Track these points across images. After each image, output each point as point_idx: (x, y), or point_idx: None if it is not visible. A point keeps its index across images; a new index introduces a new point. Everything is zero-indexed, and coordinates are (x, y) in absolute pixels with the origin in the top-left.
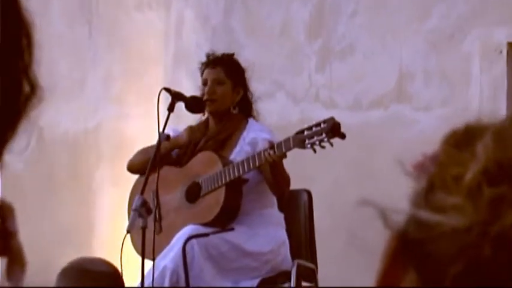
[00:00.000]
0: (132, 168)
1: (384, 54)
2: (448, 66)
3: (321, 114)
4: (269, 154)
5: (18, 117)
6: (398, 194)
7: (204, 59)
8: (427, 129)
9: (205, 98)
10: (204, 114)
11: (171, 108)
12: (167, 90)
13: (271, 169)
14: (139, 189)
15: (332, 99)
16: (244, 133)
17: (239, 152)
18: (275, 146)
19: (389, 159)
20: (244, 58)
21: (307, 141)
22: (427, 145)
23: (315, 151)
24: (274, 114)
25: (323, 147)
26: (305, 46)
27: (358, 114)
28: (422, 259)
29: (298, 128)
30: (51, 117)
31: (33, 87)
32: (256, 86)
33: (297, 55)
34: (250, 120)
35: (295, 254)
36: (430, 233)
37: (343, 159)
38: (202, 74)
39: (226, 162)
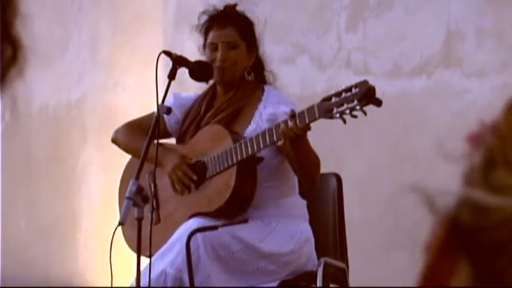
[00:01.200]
0: (117, 142)
1: (429, 9)
2: (505, 24)
3: (353, 83)
4: (289, 126)
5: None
6: (444, 178)
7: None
8: (480, 99)
9: (216, 65)
10: (207, 83)
11: (172, 75)
12: (167, 53)
13: (294, 147)
14: (133, 173)
15: (366, 64)
16: (261, 106)
17: (255, 131)
18: (296, 115)
19: (435, 137)
20: (257, 15)
21: (335, 110)
22: (480, 119)
23: (344, 121)
24: (296, 83)
25: (354, 116)
26: (333, 0)
27: (397, 83)
28: (477, 249)
29: None
30: (27, 87)
31: (16, 48)
32: (273, 48)
33: (322, 11)
34: (267, 88)
35: (321, 250)
36: (488, 219)
37: (378, 136)
38: (205, 35)
39: (237, 138)
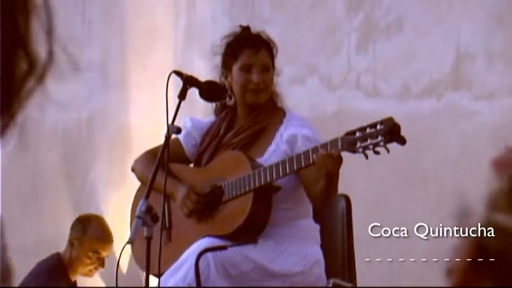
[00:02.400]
0: (135, 172)
1: (438, 30)
2: None
3: (362, 105)
4: (323, 154)
5: (13, 99)
6: (455, 200)
7: (219, 35)
8: (490, 122)
9: (251, 87)
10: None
11: (182, 95)
12: (178, 73)
13: (328, 181)
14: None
15: (375, 85)
16: (282, 127)
17: (275, 152)
18: (319, 147)
19: (444, 159)
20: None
21: (358, 144)
22: (489, 141)
23: (366, 157)
24: (305, 104)
25: (377, 152)
26: (343, 21)
27: (406, 104)
28: (502, 272)
29: (333, 121)
30: (37, 105)
31: (32, 62)
32: (283, 68)
33: (332, 32)
34: (288, 112)
35: (330, 271)
36: None
37: (387, 157)
38: (234, 57)
39: (256, 165)
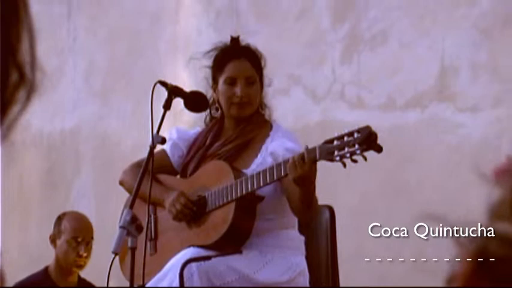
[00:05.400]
0: (123, 185)
1: (423, 43)
2: (500, 58)
3: (346, 116)
4: (294, 164)
5: (4, 110)
6: (440, 210)
7: (204, 46)
8: (473, 134)
9: (235, 100)
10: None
11: (167, 106)
12: (163, 83)
13: (298, 185)
14: (137, 203)
15: (360, 97)
16: (268, 140)
17: (261, 164)
18: (296, 156)
19: (428, 170)
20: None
21: (336, 153)
22: (472, 153)
23: (344, 165)
24: (289, 115)
25: (354, 161)
26: (328, 32)
27: (390, 116)
28: (504, 280)
29: (318, 132)
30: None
31: (22, 73)
32: (268, 80)
33: (317, 43)
34: (276, 125)
35: (314, 281)
36: None
37: (371, 168)
38: (220, 70)
39: (239, 175)
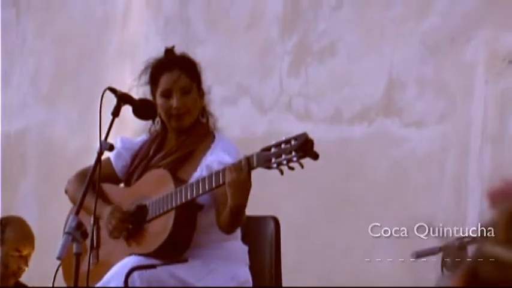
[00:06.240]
0: (67, 194)
1: (371, 57)
2: (446, 75)
3: (293, 127)
4: (230, 172)
5: None
6: (383, 224)
7: (152, 54)
8: (419, 149)
9: (172, 112)
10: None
11: (116, 113)
12: (112, 90)
13: (231, 194)
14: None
15: (307, 109)
16: (208, 153)
17: (200, 177)
18: (234, 163)
19: (373, 184)
20: (202, 56)
21: (273, 160)
22: (418, 167)
23: (281, 172)
24: (236, 125)
25: (291, 168)
26: (276, 43)
27: (337, 129)
28: None
29: (264, 143)
30: None
31: None
32: (215, 89)
33: (266, 54)
34: (218, 136)
35: None
36: (508, 273)
37: (317, 181)
38: (155, 84)
39: (179, 183)
